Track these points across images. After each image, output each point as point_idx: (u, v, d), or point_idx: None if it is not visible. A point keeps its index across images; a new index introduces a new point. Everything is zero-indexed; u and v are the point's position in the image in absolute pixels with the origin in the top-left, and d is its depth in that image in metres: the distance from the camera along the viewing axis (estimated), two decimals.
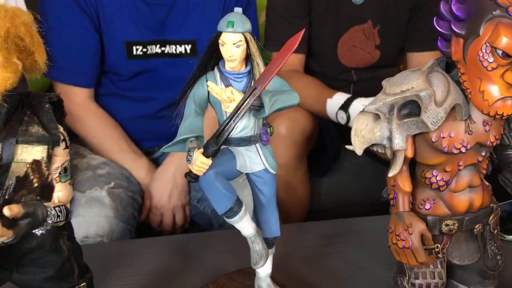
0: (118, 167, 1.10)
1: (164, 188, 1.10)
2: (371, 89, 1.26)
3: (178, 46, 1.11)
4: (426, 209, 0.54)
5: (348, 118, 1.09)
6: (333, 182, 1.28)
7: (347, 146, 0.53)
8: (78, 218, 0.94)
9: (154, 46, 1.10)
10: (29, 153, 0.39)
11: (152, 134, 1.18)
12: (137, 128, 1.16)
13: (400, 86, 0.50)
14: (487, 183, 0.56)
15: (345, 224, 0.82)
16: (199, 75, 0.49)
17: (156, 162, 1.19)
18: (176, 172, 1.10)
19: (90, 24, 1.06)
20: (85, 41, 1.07)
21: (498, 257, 0.56)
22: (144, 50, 1.10)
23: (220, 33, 0.46)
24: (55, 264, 0.43)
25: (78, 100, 1.09)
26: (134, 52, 1.10)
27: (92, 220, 0.94)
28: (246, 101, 0.45)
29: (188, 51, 1.12)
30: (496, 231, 0.56)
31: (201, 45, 1.13)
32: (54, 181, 0.37)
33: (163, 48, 1.11)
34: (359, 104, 1.09)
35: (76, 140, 1.13)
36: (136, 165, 1.12)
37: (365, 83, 1.26)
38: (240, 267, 0.65)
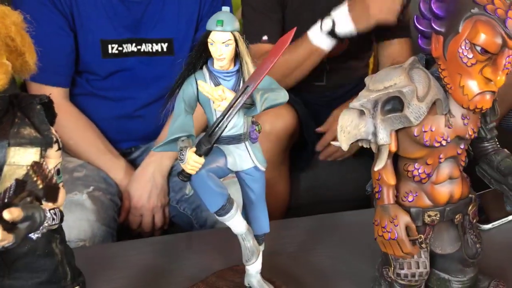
0: (95, 169, 1.08)
1: (143, 188, 1.09)
2: (343, 79, 1.30)
3: (154, 44, 1.10)
4: (409, 201, 0.56)
5: (333, 23, 1.08)
6: (310, 178, 1.30)
7: (333, 142, 0.54)
8: None
9: (130, 45, 1.09)
10: (21, 156, 0.38)
11: (129, 135, 1.17)
12: (113, 129, 1.15)
13: (383, 82, 0.52)
14: (465, 174, 0.59)
15: (328, 219, 0.84)
16: (187, 74, 0.49)
17: (133, 164, 1.17)
18: (155, 172, 1.09)
19: (65, 22, 1.04)
20: (60, 39, 1.04)
21: (477, 245, 0.59)
22: (120, 48, 1.09)
23: (209, 32, 0.47)
24: (48, 269, 0.42)
25: (53, 100, 1.07)
26: (110, 51, 1.08)
27: (74, 224, 0.92)
28: (239, 99, 0.45)
29: (165, 49, 1.11)
30: (475, 220, 0.59)
31: (177, 44, 1.12)
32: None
33: (139, 47, 1.10)
34: (343, 8, 1.08)
35: None
36: (114, 167, 1.11)
37: (337, 73, 1.29)
38: (228, 265, 0.65)
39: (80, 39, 1.07)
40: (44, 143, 0.40)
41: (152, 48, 1.10)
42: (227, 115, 0.46)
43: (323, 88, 1.31)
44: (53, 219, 0.38)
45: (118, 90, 1.13)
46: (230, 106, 0.45)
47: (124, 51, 1.09)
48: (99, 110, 1.13)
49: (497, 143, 0.58)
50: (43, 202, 0.37)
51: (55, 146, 0.41)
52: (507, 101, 1.11)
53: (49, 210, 0.38)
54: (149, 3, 1.08)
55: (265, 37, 1.16)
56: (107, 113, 1.14)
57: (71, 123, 1.10)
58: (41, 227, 0.36)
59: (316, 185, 1.31)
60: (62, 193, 0.42)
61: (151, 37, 1.10)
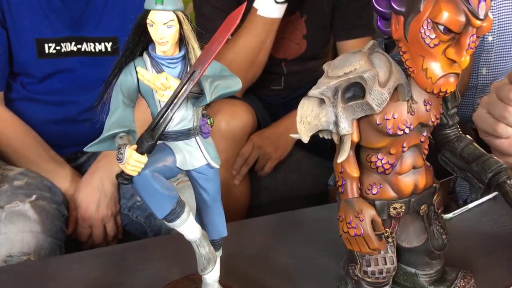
0: (37, 176, 1.00)
1: (91, 197, 1.01)
2: (301, 82, 1.29)
3: (97, 43, 1.03)
4: (373, 194, 0.53)
5: None
6: (269, 177, 1.28)
7: (292, 135, 0.51)
8: None
9: (69, 44, 1.01)
10: None
11: (74, 139, 1.09)
12: (56, 134, 1.07)
13: (343, 68, 0.48)
14: (428, 163, 0.56)
15: (287, 218, 0.80)
16: (125, 62, 0.43)
17: (80, 170, 1.10)
18: (103, 179, 1.03)
19: None
20: None
21: (443, 237, 0.57)
22: (58, 48, 1.01)
23: (148, 11, 0.41)
24: None
25: None
26: (46, 51, 1.00)
27: (16, 236, 0.84)
28: (184, 87, 0.40)
29: (109, 49, 1.04)
30: (440, 210, 0.57)
31: (123, 42, 1.05)
32: None
33: (79, 46, 1.02)
34: None
35: None
36: (58, 175, 1.03)
37: (295, 76, 1.28)
38: (184, 274, 0.60)
39: (12, 38, 0.99)
40: None
41: (95, 48, 1.03)
42: (171, 106, 0.40)
43: (280, 91, 1.29)
44: None
45: (57, 93, 1.05)
46: (175, 95, 0.40)
47: (63, 50, 1.01)
48: (39, 115, 1.05)
49: (459, 129, 0.57)
50: None
51: None
52: (459, 88, 1.13)
53: None
54: (90, 0, 1.01)
55: (229, 36, 1.13)
56: (47, 117, 1.06)
57: (7, 130, 1.01)
58: None
59: (275, 183, 1.29)
60: None
61: (93, 36, 1.02)
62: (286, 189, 1.30)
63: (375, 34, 1.25)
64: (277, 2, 1.06)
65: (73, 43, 1.01)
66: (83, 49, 1.02)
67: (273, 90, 1.29)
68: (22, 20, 0.98)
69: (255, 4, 1.08)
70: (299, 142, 1.32)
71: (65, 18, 1.01)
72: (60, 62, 1.01)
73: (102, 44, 1.03)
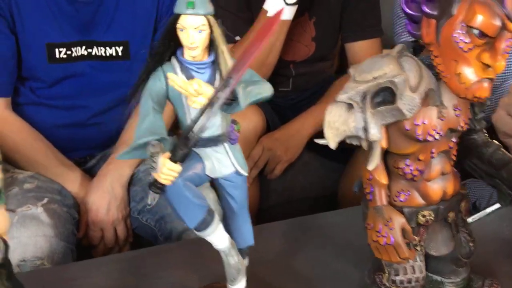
0: (48, 180, 0.99)
1: (101, 200, 1.00)
2: (309, 83, 1.28)
3: (108, 48, 1.01)
4: (401, 201, 0.52)
5: None
6: (277, 179, 1.27)
7: (317, 140, 0.49)
8: (11, 240, 0.83)
9: (79, 48, 1.00)
10: None
11: (83, 143, 1.08)
12: (65, 138, 1.05)
13: (371, 72, 0.47)
14: (455, 169, 0.55)
15: (304, 222, 0.79)
16: (154, 67, 0.42)
17: (90, 173, 1.09)
18: (113, 182, 1.01)
19: (4, 24, 0.94)
20: None
21: (470, 244, 0.56)
22: (68, 52, 0.99)
23: (178, 15, 0.40)
24: None
25: None
26: (57, 55, 0.99)
27: (29, 241, 0.83)
28: (219, 94, 0.39)
29: (120, 53, 1.02)
30: (467, 217, 0.56)
31: (134, 47, 1.04)
32: None
33: (89, 50, 1.01)
34: None
35: None
36: (68, 178, 1.02)
37: (303, 78, 1.27)
38: (202, 281, 0.59)
39: (22, 43, 0.98)
40: None
41: (105, 52, 1.01)
42: (206, 113, 0.39)
43: (288, 93, 1.28)
44: None
45: (67, 98, 1.04)
46: (210, 103, 0.39)
47: (73, 55, 1.00)
48: (47, 120, 1.04)
49: (486, 134, 0.56)
50: None
51: None
52: None
53: None
54: (101, 4, 0.99)
55: (238, 38, 1.11)
56: (56, 122, 1.05)
57: (15, 134, 1.00)
58: None
59: (284, 185, 1.28)
60: (3, 218, 0.34)
61: (104, 40, 1.01)
62: (294, 191, 1.29)
63: (383, 35, 1.24)
64: (287, 4, 1.05)
65: (84, 47, 1.00)
66: (93, 53, 1.01)
67: (281, 92, 1.28)
68: (32, 24, 0.97)
69: (265, 6, 1.07)
70: (307, 143, 1.31)
71: (75, 22, 0.99)
72: (70, 67, 1.00)
73: (113, 48, 1.01)
